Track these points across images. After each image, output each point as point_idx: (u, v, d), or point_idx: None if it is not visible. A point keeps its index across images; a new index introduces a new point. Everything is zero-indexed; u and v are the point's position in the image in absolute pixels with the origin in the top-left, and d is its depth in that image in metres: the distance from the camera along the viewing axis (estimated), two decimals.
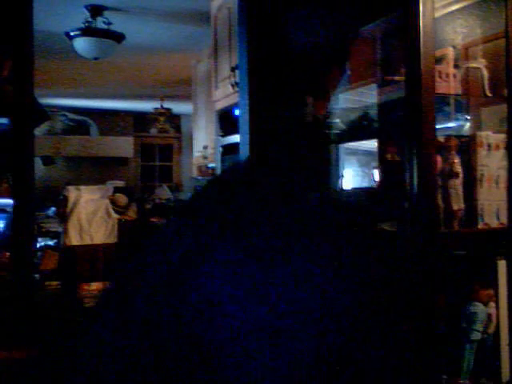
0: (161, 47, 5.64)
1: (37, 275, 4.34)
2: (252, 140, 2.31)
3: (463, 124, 2.09)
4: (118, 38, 4.70)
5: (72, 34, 4.55)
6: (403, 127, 1.88)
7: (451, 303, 1.88)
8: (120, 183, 8.70)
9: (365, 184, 2.51)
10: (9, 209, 2.74)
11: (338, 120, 2.46)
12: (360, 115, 2.29)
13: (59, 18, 4.58)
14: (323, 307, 0.62)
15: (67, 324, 2.96)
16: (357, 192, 2.46)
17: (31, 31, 2.58)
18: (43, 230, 7.59)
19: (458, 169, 1.88)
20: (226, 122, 3.83)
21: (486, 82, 1.99)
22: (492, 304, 1.89)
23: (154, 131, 9.52)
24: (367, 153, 2.50)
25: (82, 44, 4.60)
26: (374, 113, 2.23)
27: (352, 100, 2.49)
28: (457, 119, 2.08)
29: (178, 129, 10.77)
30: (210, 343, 0.52)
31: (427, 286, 1.79)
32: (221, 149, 3.85)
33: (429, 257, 1.78)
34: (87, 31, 4.51)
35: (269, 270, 0.57)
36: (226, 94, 3.77)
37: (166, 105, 8.72)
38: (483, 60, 2.02)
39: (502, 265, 1.91)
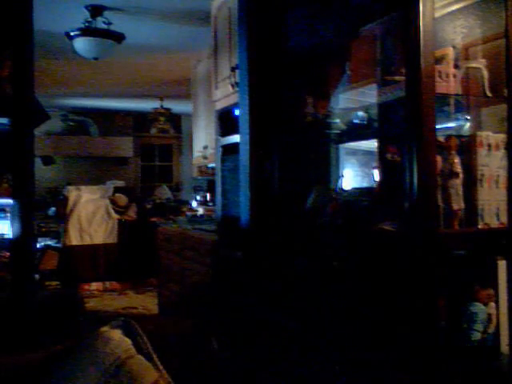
0: (161, 47, 5.64)
1: (37, 275, 4.35)
2: (252, 140, 2.31)
3: (463, 124, 2.09)
4: (118, 37, 4.69)
5: (72, 33, 4.54)
6: (403, 127, 1.88)
7: (451, 303, 1.88)
8: (120, 183, 8.70)
9: (365, 184, 2.51)
10: (9, 209, 2.74)
11: (338, 120, 2.46)
12: (360, 115, 2.29)
13: (59, 18, 4.58)
14: None
15: (66, 324, 2.96)
16: (357, 192, 2.46)
17: (31, 31, 2.58)
18: (43, 229, 7.60)
19: (458, 169, 1.88)
20: (226, 122, 3.82)
21: (486, 82, 1.99)
22: (492, 304, 1.89)
23: (153, 131, 9.52)
24: (367, 153, 2.50)
25: (82, 44, 4.59)
26: (374, 113, 2.23)
27: (352, 100, 2.49)
28: (457, 119, 2.08)
29: (178, 129, 10.76)
30: None
31: (427, 286, 1.79)
32: (221, 149, 3.85)
33: (429, 257, 1.78)
34: (87, 31, 4.51)
35: None
36: (226, 94, 3.76)
37: (166, 105, 8.71)
38: (483, 60, 2.02)
39: (501, 265, 1.91)
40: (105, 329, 1.45)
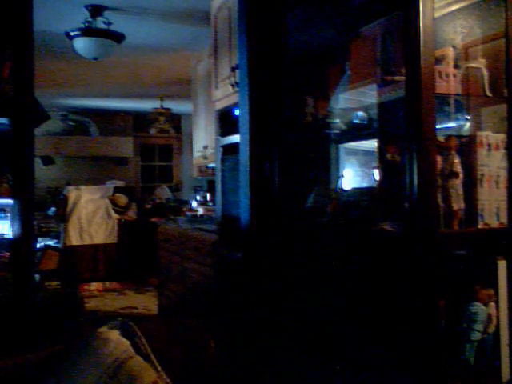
0: (161, 47, 5.64)
1: (37, 275, 4.34)
2: (252, 140, 2.31)
3: (463, 124, 2.09)
4: (118, 37, 4.69)
5: (72, 34, 4.54)
6: (403, 127, 1.88)
7: (451, 303, 1.88)
8: (120, 183, 8.70)
9: (365, 184, 2.51)
10: (9, 209, 2.74)
11: (338, 120, 2.46)
12: (360, 115, 2.29)
13: (59, 18, 4.58)
14: None
15: (66, 324, 2.96)
16: (357, 192, 2.46)
17: (31, 31, 2.58)
18: (43, 229, 7.60)
19: (458, 169, 1.88)
20: (226, 122, 3.82)
21: (486, 82, 1.99)
22: (492, 304, 1.89)
23: (153, 131, 9.52)
24: (367, 153, 2.50)
25: (82, 44, 4.59)
26: (374, 113, 2.23)
27: (352, 100, 2.49)
28: (457, 119, 2.08)
29: (177, 129, 10.76)
30: None
31: (427, 286, 1.79)
32: (221, 149, 3.85)
33: (429, 257, 1.78)
34: (87, 31, 4.51)
35: None
36: (226, 93, 3.77)
37: (166, 105, 8.71)
38: (483, 60, 2.02)
39: (502, 265, 1.91)
40: (103, 329, 1.44)
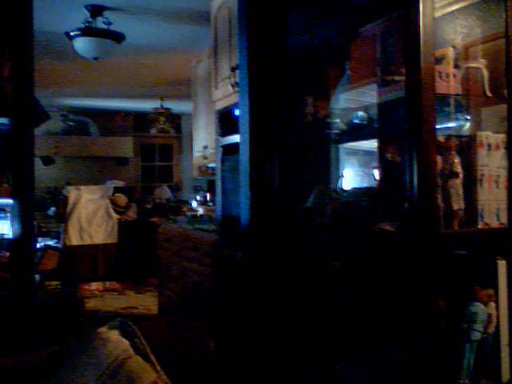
0: (161, 47, 5.64)
1: (37, 275, 4.34)
2: (252, 140, 2.31)
3: (463, 124, 2.09)
4: (118, 37, 4.69)
5: (72, 34, 4.54)
6: (403, 127, 1.88)
7: (451, 303, 1.88)
8: (120, 183, 8.70)
9: (365, 184, 2.51)
10: (9, 209, 2.74)
11: (338, 120, 2.46)
12: (360, 115, 2.29)
13: (59, 18, 4.58)
14: None
15: (66, 324, 2.95)
16: (357, 192, 2.46)
17: (31, 31, 2.58)
18: (43, 229, 7.60)
19: (458, 169, 1.88)
20: (226, 122, 3.82)
21: (486, 82, 1.99)
22: (492, 304, 1.89)
23: (154, 131, 9.52)
24: (367, 153, 2.50)
25: (81, 44, 4.59)
26: (374, 113, 2.23)
27: (352, 100, 2.49)
28: (457, 119, 2.08)
29: (178, 129, 10.76)
30: None
31: (427, 286, 1.79)
32: (221, 149, 3.85)
33: (429, 257, 1.78)
34: (87, 31, 4.51)
35: None
36: (226, 94, 3.76)
37: (166, 105, 8.71)
38: (483, 60, 2.02)
39: (502, 265, 1.91)
40: (102, 330, 1.44)
